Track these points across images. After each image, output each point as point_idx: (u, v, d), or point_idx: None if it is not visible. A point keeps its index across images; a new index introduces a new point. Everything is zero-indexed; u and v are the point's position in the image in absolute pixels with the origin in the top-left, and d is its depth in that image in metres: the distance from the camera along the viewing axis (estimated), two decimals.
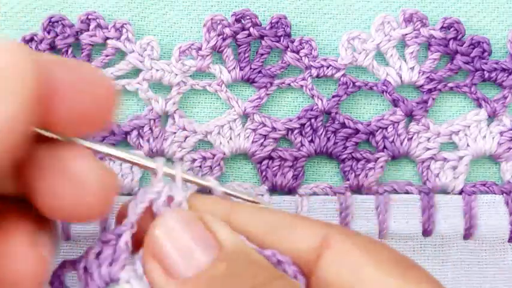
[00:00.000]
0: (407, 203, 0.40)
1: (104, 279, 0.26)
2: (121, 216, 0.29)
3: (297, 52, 0.41)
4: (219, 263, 0.25)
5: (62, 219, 0.26)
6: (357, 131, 0.41)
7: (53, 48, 0.40)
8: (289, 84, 0.41)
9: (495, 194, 0.40)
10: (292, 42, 0.41)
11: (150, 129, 0.40)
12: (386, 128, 0.41)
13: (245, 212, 0.29)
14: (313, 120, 0.41)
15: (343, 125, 0.41)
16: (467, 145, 0.41)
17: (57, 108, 0.23)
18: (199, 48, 0.41)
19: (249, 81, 0.41)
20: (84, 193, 0.24)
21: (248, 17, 0.41)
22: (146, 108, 0.40)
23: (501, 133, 0.41)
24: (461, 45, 0.41)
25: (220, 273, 0.25)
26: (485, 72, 0.41)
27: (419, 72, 0.41)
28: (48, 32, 0.40)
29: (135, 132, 0.40)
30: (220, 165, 0.40)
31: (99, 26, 0.40)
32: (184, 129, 0.40)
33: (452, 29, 0.41)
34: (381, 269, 0.26)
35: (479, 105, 0.41)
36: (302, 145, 0.40)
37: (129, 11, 0.41)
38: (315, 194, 0.40)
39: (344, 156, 0.40)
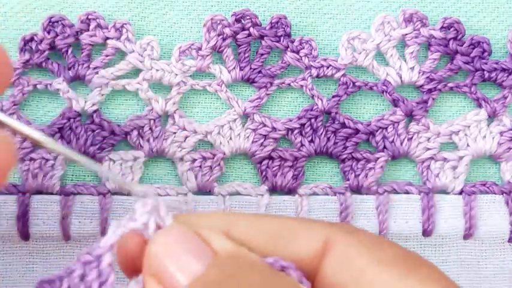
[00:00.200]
0: (407, 203, 0.40)
1: None
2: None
3: (297, 52, 0.41)
4: (212, 269, 0.25)
5: None
6: (357, 131, 0.41)
7: (53, 48, 0.40)
8: (289, 84, 0.41)
9: (495, 194, 0.40)
10: (292, 42, 0.41)
11: (150, 129, 0.40)
12: (386, 128, 0.41)
13: (244, 223, 0.28)
14: (313, 120, 0.41)
15: (343, 125, 0.41)
16: (467, 145, 0.41)
17: None
18: (199, 48, 0.41)
19: (249, 81, 0.41)
20: None
21: (248, 17, 0.41)
22: (146, 108, 0.40)
23: (501, 133, 0.41)
24: (461, 45, 0.41)
25: (213, 279, 0.25)
26: (485, 72, 0.41)
27: (419, 72, 0.41)
28: (48, 32, 0.40)
29: (135, 132, 0.40)
30: (220, 165, 0.40)
31: (99, 26, 0.40)
32: (184, 129, 0.40)
33: (452, 29, 0.41)
34: (383, 270, 0.26)
35: (479, 105, 0.41)
36: (302, 145, 0.40)
37: (129, 11, 0.41)
38: (315, 194, 0.40)
39: (344, 156, 0.40)
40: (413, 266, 0.26)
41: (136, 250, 0.27)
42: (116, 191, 0.39)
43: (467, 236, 0.40)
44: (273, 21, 0.41)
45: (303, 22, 0.42)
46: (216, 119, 0.41)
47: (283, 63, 0.41)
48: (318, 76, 0.41)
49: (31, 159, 0.39)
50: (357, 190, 0.41)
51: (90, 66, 0.40)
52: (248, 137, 0.40)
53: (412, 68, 0.41)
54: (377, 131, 0.41)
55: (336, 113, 0.41)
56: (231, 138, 0.40)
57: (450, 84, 0.41)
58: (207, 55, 0.41)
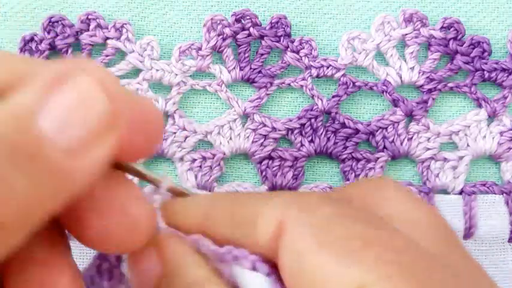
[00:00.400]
0: None
1: None
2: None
3: (297, 52, 0.41)
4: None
5: (104, 251, 0.26)
6: (357, 131, 0.41)
7: (53, 48, 0.40)
8: (289, 84, 0.41)
9: (495, 194, 0.40)
10: (292, 42, 0.41)
11: None
12: (386, 128, 0.41)
13: (218, 211, 0.27)
14: (313, 120, 0.41)
15: (343, 125, 0.41)
16: (467, 145, 0.41)
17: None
18: (199, 48, 0.41)
19: (249, 81, 0.41)
20: (136, 233, 0.24)
21: (248, 17, 0.41)
22: None
23: (501, 133, 0.41)
24: (461, 45, 0.41)
25: None
26: (485, 72, 0.41)
27: (419, 72, 0.41)
28: (48, 32, 0.40)
29: None
30: (220, 165, 0.40)
31: (99, 26, 0.40)
32: (184, 129, 0.40)
33: (452, 29, 0.41)
34: (323, 253, 0.23)
35: (479, 105, 0.41)
36: (302, 145, 0.40)
37: (129, 11, 0.41)
38: None
39: (344, 156, 0.40)
40: (359, 248, 0.23)
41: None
42: None
43: (467, 236, 0.40)
44: (273, 21, 0.41)
45: (303, 22, 0.42)
46: (216, 119, 0.41)
47: (283, 63, 0.41)
48: (318, 76, 0.41)
49: None
50: None
51: None
52: (248, 137, 0.41)
53: (412, 68, 0.41)
54: (377, 131, 0.41)
55: (336, 113, 0.41)
56: (231, 138, 0.40)
57: (450, 84, 0.41)
58: (207, 55, 0.41)
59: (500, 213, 0.40)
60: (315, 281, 0.23)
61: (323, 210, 0.25)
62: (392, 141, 0.41)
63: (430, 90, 0.41)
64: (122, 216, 0.24)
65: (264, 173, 0.40)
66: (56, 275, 0.24)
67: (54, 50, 0.40)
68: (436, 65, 0.41)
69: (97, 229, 0.24)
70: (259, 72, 0.41)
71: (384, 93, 0.41)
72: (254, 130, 0.40)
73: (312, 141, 0.41)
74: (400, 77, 0.41)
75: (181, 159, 0.40)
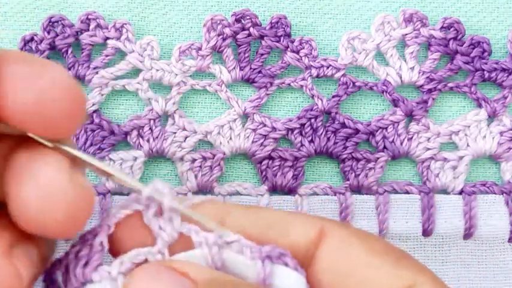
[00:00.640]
0: (407, 203, 0.40)
1: (79, 280, 0.26)
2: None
3: (297, 52, 0.41)
4: None
5: (30, 231, 0.25)
6: (357, 131, 0.41)
7: (53, 48, 0.40)
8: (289, 84, 0.41)
9: (495, 194, 0.40)
10: (292, 42, 0.41)
11: (150, 129, 0.40)
12: (386, 128, 0.41)
13: (240, 212, 0.28)
14: (313, 120, 0.41)
15: (343, 125, 0.41)
16: (467, 145, 0.41)
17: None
18: (199, 48, 0.41)
19: (249, 81, 0.41)
20: (51, 208, 0.23)
21: (248, 17, 0.41)
22: (146, 108, 0.40)
23: (501, 133, 0.41)
24: (461, 45, 0.41)
25: None
26: (485, 72, 0.41)
27: (419, 72, 0.41)
28: (48, 32, 0.40)
29: (135, 132, 0.40)
30: (220, 165, 0.40)
31: (99, 26, 0.40)
32: (184, 129, 0.40)
33: (452, 29, 0.41)
34: (376, 257, 0.27)
35: (479, 105, 0.41)
36: (302, 145, 0.40)
37: (129, 11, 0.41)
38: (315, 194, 0.40)
39: (344, 156, 0.40)
40: (401, 257, 0.27)
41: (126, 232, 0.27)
42: (116, 191, 0.39)
43: (467, 236, 0.40)
44: (273, 21, 0.41)
45: (303, 22, 0.42)
46: (216, 119, 0.41)
47: (283, 63, 0.41)
48: (318, 76, 0.41)
49: None
50: (357, 190, 0.41)
51: (90, 66, 0.40)
52: (248, 137, 0.41)
53: (412, 68, 0.41)
54: (377, 131, 0.41)
55: (336, 113, 0.41)
56: (231, 138, 0.40)
57: (450, 84, 0.41)
58: (207, 55, 0.41)
59: (500, 213, 0.40)
60: (367, 281, 0.26)
61: (355, 228, 0.29)
62: (393, 141, 0.41)
63: (430, 90, 0.41)
64: (34, 182, 0.23)
65: (264, 173, 0.40)
66: None
67: (54, 50, 0.40)
68: (436, 65, 0.41)
69: (15, 198, 0.23)
70: (259, 72, 0.41)
71: (384, 93, 0.41)
72: (254, 130, 0.40)
73: (312, 141, 0.41)
74: (400, 77, 0.41)
75: (181, 159, 0.40)
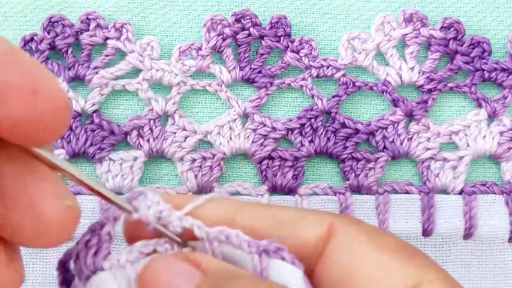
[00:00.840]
0: (407, 203, 0.40)
1: (90, 268, 0.27)
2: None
3: (297, 52, 0.41)
4: (202, 286, 0.26)
5: (21, 245, 0.26)
6: (357, 131, 0.41)
7: (53, 48, 0.40)
8: (289, 84, 0.41)
9: (495, 194, 0.40)
10: (292, 42, 0.41)
11: (150, 129, 0.40)
12: (386, 128, 0.41)
13: (250, 209, 0.29)
14: (313, 120, 0.41)
15: (343, 125, 0.41)
16: (467, 145, 0.41)
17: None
18: (199, 48, 0.41)
19: (249, 81, 0.41)
20: (44, 228, 0.24)
21: (248, 17, 0.41)
22: (146, 108, 0.40)
23: (501, 133, 0.41)
24: (461, 45, 0.41)
25: None
26: (485, 72, 0.41)
27: (419, 72, 0.41)
28: (48, 32, 0.40)
29: (135, 132, 0.40)
30: (220, 165, 0.40)
31: (99, 26, 0.40)
32: (184, 129, 0.40)
33: (452, 29, 0.41)
34: (385, 254, 0.27)
35: (479, 105, 0.41)
36: (302, 145, 0.40)
37: (129, 11, 0.41)
38: (315, 194, 0.40)
39: (344, 156, 0.40)
40: (412, 254, 0.27)
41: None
42: (116, 191, 0.39)
43: (467, 236, 0.40)
44: (273, 21, 0.41)
45: (303, 22, 0.42)
46: (216, 119, 0.41)
47: (283, 63, 0.41)
48: (318, 76, 0.41)
49: None
50: (357, 190, 0.41)
51: (90, 66, 0.40)
52: (248, 137, 0.41)
53: (412, 68, 0.41)
54: (377, 131, 0.41)
55: (336, 113, 0.41)
56: (231, 138, 0.40)
57: (450, 84, 0.41)
58: (207, 55, 0.41)
59: (500, 213, 0.40)
60: (374, 278, 0.26)
61: (367, 223, 0.29)
62: (393, 141, 0.41)
63: (430, 90, 0.41)
64: (27, 209, 0.24)
65: (264, 173, 0.40)
66: None
67: (54, 50, 0.40)
68: (436, 65, 0.41)
69: (6, 218, 0.24)
70: (259, 72, 0.41)
71: (384, 93, 0.41)
72: (254, 130, 0.40)
73: (312, 141, 0.41)
74: (400, 77, 0.41)
75: (181, 159, 0.40)
